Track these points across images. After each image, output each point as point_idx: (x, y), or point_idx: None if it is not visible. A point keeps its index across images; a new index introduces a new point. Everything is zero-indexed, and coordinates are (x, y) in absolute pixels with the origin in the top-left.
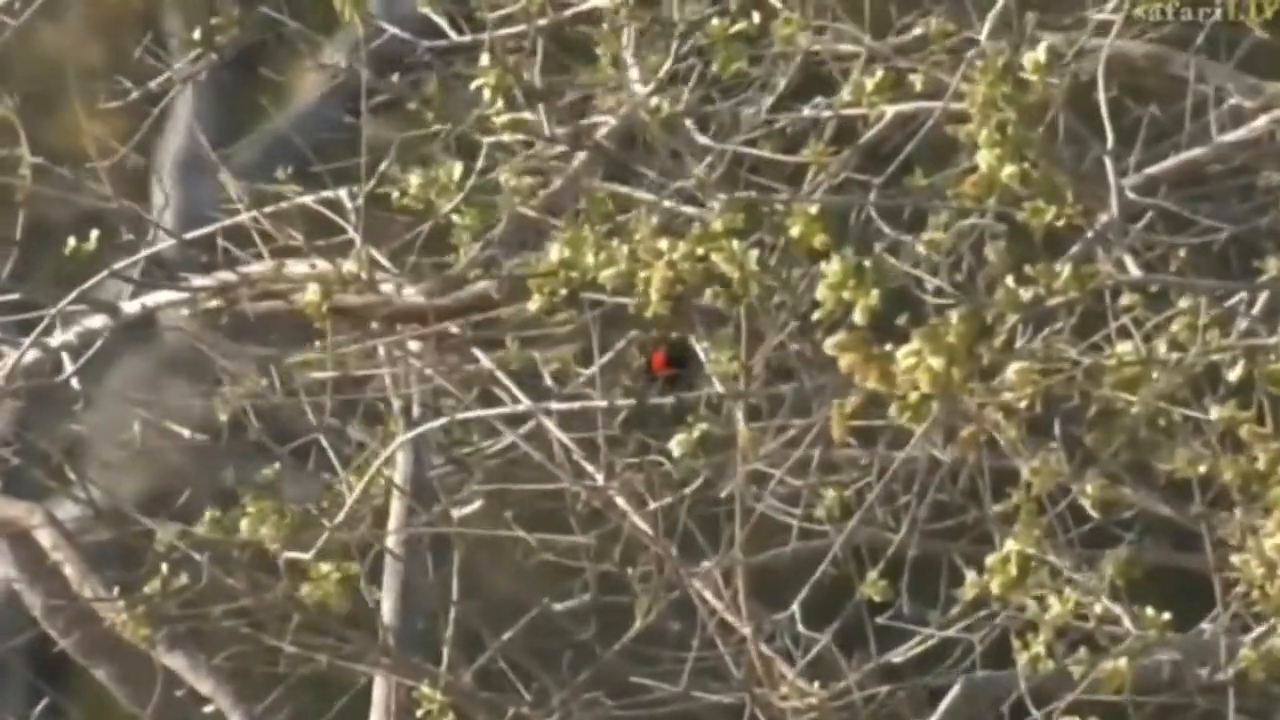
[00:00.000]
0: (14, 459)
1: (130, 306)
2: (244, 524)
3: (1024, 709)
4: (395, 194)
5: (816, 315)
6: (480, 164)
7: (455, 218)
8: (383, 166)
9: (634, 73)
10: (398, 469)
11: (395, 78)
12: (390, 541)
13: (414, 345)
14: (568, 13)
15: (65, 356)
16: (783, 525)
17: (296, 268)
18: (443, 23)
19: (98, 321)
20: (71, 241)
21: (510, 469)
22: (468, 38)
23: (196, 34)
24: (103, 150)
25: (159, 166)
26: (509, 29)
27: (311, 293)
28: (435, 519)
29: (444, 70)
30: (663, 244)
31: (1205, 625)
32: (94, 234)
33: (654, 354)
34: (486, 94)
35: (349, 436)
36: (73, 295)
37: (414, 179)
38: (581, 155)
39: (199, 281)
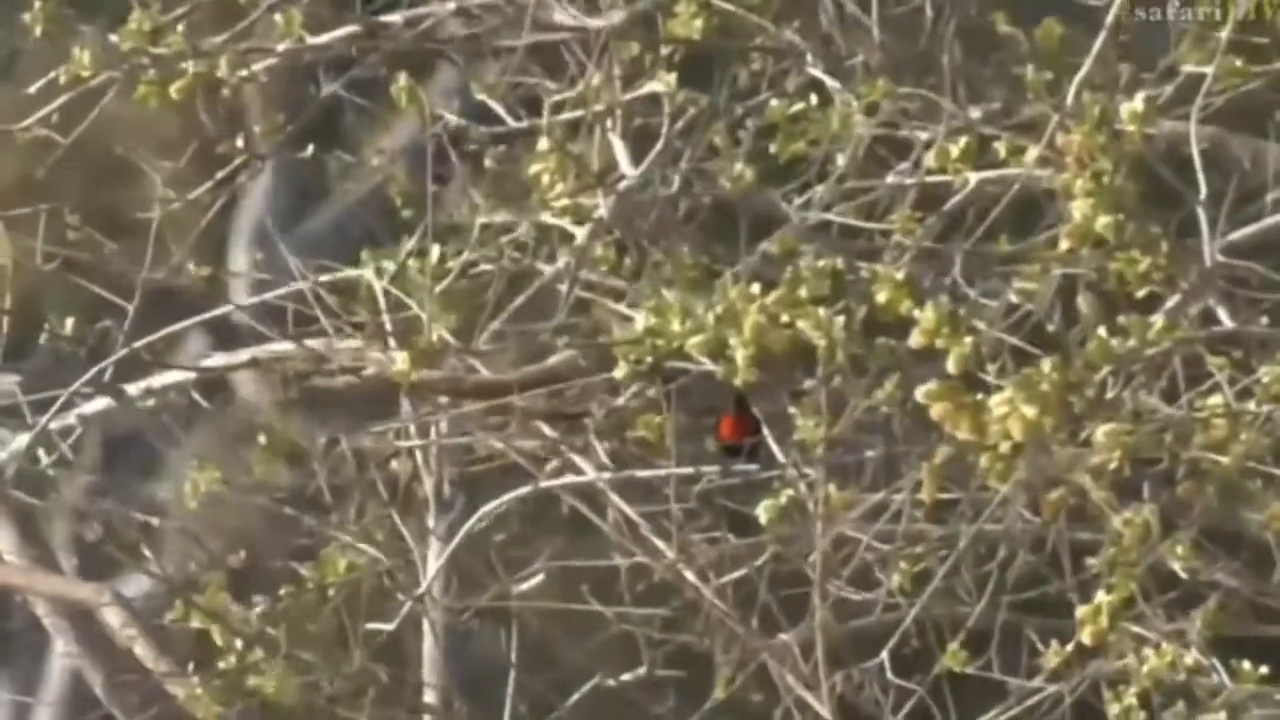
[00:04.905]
0: (90, 536)
1: (134, 388)
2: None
3: None
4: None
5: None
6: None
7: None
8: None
9: (622, 156)
10: (432, 544)
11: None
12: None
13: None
14: (625, 96)
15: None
16: (859, 600)
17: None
18: (500, 109)
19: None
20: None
21: (577, 542)
22: (525, 123)
23: (240, 142)
24: (178, 224)
25: (235, 237)
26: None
27: (401, 362)
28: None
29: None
30: (755, 288)
31: None
32: (69, 321)
33: (722, 422)
34: (545, 179)
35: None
36: (84, 379)
37: (389, 265)
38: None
39: (209, 362)
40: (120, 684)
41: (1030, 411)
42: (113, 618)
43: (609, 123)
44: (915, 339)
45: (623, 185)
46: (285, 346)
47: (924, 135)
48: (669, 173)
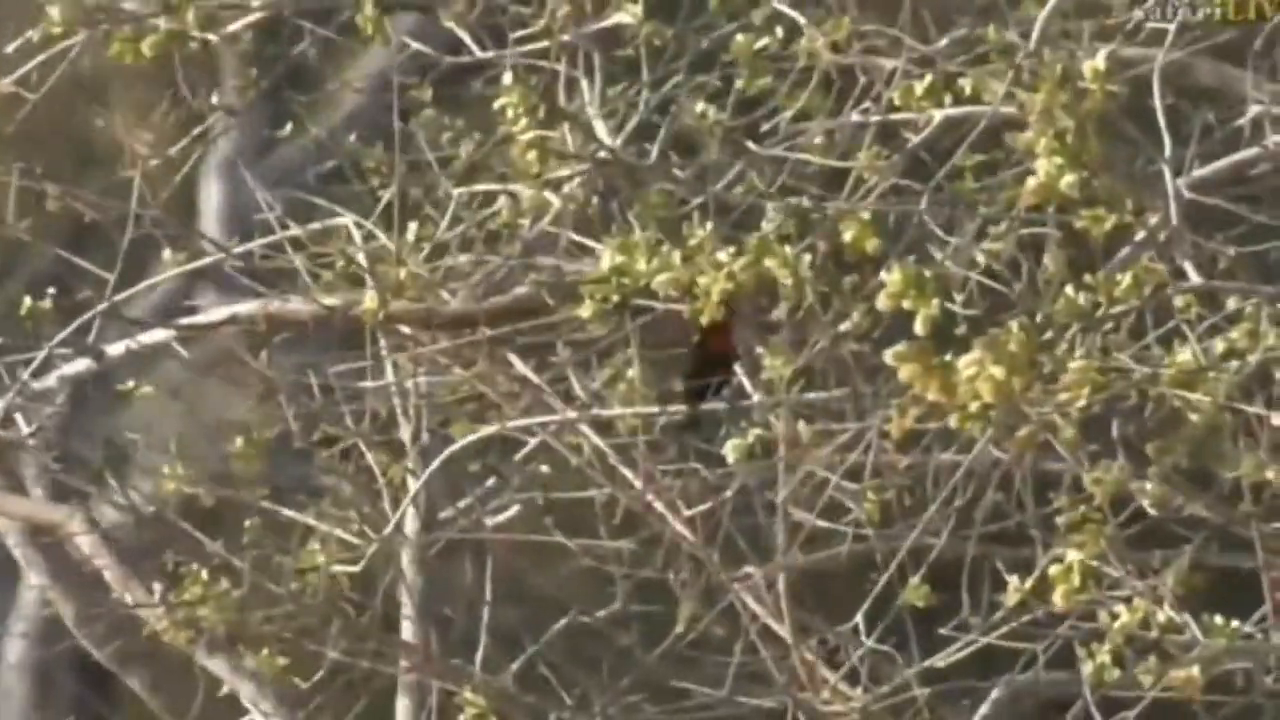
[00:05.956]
0: (56, 465)
1: (115, 349)
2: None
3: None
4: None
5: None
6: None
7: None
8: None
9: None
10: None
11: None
12: (407, 550)
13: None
14: (591, 28)
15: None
16: (824, 529)
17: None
18: (467, 38)
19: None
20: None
21: (546, 475)
22: (490, 54)
23: (215, 99)
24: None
25: (204, 168)
26: (531, 45)
27: (369, 300)
28: (470, 525)
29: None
30: (722, 255)
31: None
32: (50, 292)
33: (713, 334)
34: (509, 113)
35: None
36: (57, 339)
37: (361, 257)
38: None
39: (196, 320)
40: (91, 615)
41: (999, 372)
42: (83, 545)
43: (587, 102)
44: (882, 301)
45: (600, 155)
46: (262, 301)
47: (890, 64)
48: (646, 147)
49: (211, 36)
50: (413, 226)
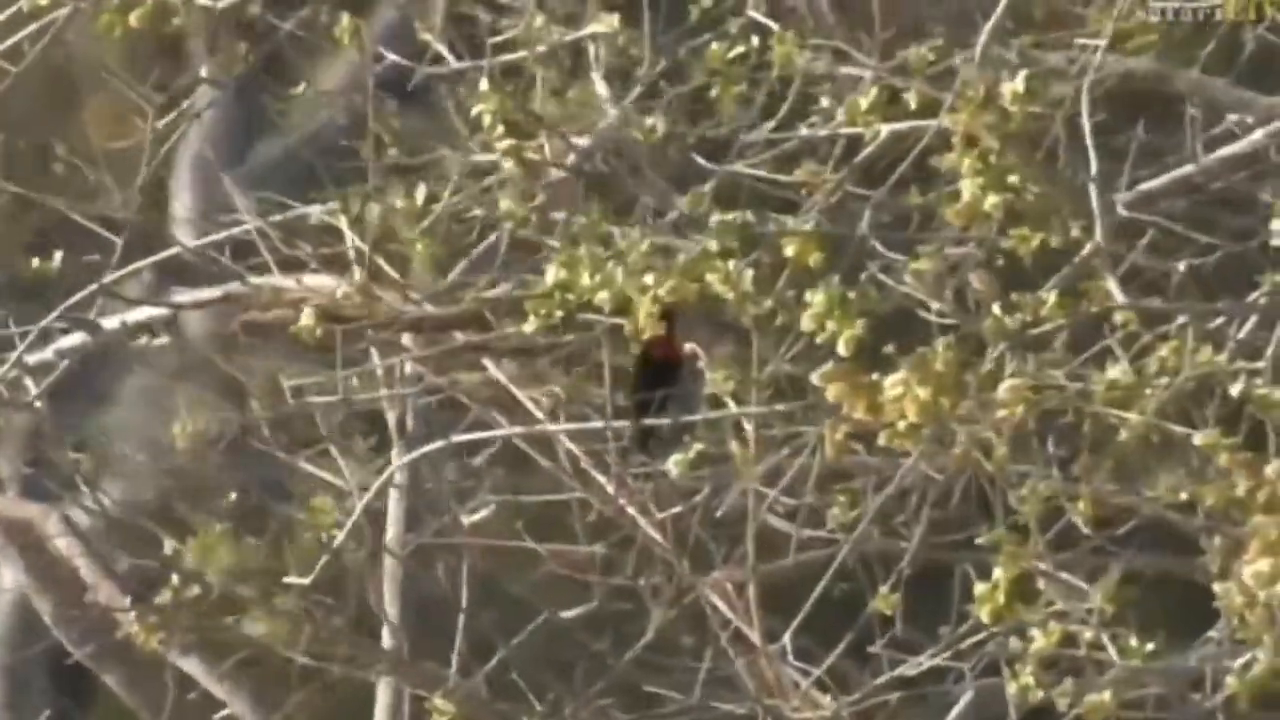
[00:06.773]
0: (30, 467)
1: (110, 323)
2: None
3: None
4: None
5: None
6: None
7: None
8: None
9: (603, 91)
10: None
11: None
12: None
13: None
14: (566, 38)
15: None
16: (790, 535)
17: (298, 281)
18: (443, 49)
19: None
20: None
21: (519, 477)
22: (467, 63)
23: (204, 71)
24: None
25: (176, 172)
26: (508, 55)
27: (306, 317)
28: (445, 527)
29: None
30: (649, 279)
31: (1211, 634)
32: (58, 255)
33: (655, 346)
34: (486, 120)
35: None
36: (54, 314)
37: (374, 208)
38: (557, 175)
39: (181, 298)
40: (69, 616)
41: (924, 393)
42: (61, 545)
43: (593, 57)
44: (805, 323)
45: (602, 124)
46: (254, 282)
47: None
48: (653, 106)
49: (206, 1)
50: (421, 188)
